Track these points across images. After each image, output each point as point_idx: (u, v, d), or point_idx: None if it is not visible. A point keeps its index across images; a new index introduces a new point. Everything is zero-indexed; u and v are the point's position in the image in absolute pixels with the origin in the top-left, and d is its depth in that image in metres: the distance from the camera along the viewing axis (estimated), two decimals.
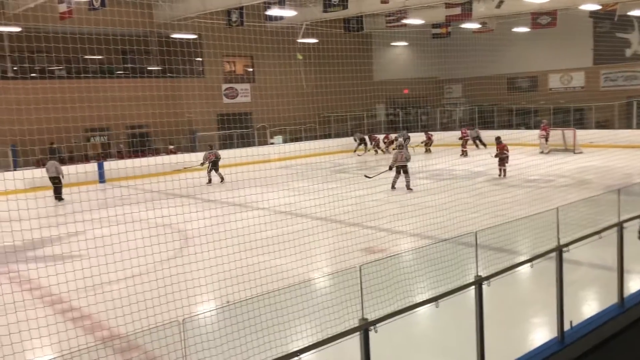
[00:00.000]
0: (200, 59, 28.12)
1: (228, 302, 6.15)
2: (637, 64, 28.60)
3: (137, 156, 23.61)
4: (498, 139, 18.31)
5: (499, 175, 17.57)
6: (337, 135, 30.82)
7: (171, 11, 24.32)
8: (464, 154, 24.97)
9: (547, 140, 24.60)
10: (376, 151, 28.33)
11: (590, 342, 5.43)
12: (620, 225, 6.05)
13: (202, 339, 3.95)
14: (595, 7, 22.31)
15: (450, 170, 20.00)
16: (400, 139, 23.57)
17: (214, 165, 20.30)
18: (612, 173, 16.34)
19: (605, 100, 27.80)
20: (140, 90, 23.37)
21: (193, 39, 25.16)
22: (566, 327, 5.39)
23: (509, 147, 18.12)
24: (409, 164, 16.43)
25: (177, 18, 24.18)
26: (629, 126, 26.45)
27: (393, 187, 16.28)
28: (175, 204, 12.83)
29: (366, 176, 17.38)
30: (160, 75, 27.30)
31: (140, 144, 25.36)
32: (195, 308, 7.18)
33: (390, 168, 16.54)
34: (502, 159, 17.59)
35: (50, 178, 17.39)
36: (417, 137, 27.95)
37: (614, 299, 6.09)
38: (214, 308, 6.73)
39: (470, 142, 26.33)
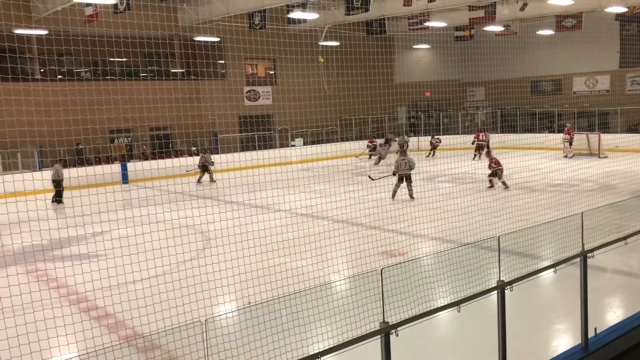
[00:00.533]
0: (223, 62, 28.36)
1: (249, 303, 6.20)
2: None
3: (160, 157, 23.90)
4: (488, 152, 17.67)
5: (489, 186, 16.66)
6: (358, 138, 30.80)
7: (195, 14, 24.61)
8: (476, 157, 24.73)
9: (571, 144, 24.29)
10: (369, 156, 27.57)
11: (615, 349, 5.36)
12: None
13: (223, 339, 3.99)
14: (622, 9, 21.98)
15: (473, 174, 19.85)
16: (378, 145, 23.29)
17: (205, 168, 21.40)
18: (638, 178, 16.05)
19: (632, 104, 27.36)
20: (164, 93, 23.67)
21: (216, 41, 25.41)
22: (590, 333, 5.32)
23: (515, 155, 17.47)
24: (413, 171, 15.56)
25: (200, 21, 24.45)
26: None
27: (393, 196, 15.33)
28: (197, 205, 12.96)
29: (370, 177, 16.86)
30: (183, 78, 27.61)
31: (163, 146, 25.70)
32: (217, 309, 7.24)
33: (394, 174, 15.69)
34: (495, 172, 16.55)
35: (53, 181, 17.69)
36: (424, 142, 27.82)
37: (639, 306, 5.99)
38: (235, 309, 6.78)
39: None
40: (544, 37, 27.53)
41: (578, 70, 30.60)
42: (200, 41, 24.88)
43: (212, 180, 21.25)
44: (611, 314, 7.13)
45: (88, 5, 18.68)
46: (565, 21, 23.15)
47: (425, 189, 15.94)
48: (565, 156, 23.94)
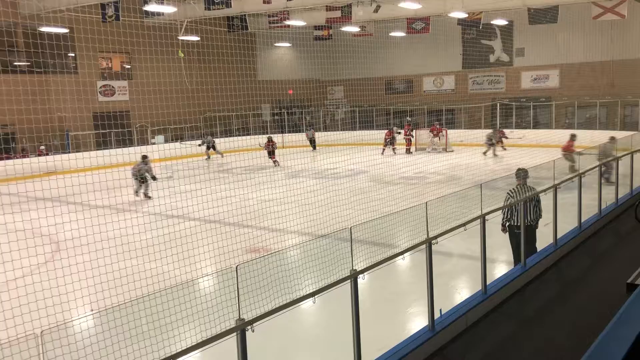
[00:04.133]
0: (73, 55, 26.47)
1: (92, 310, 5.85)
2: (500, 69, 31.08)
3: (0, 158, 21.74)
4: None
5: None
6: (222, 135, 30.40)
7: (40, 3, 22.66)
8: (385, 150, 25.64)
9: (439, 138, 26.09)
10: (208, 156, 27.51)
11: (457, 328, 5.79)
12: (482, 218, 6.50)
13: (70, 349, 3.72)
14: (463, 15, 23.88)
15: (334, 169, 20.45)
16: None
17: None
18: (479, 169, 17.58)
19: (473, 103, 29.91)
20: (3, 86, 21.57)
21: (65, 32, 23.62)
22: (437, 315, 5.70)
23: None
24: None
25: (46, 10, 22.57)
26: (493, 126, 28.69)
27: None
28: (44, 209, 11.94)
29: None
30: (27, 71, 25.32)
31: (3, 144, 23.36)
32: (68, 316, 6.74)
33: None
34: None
35: None
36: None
37: (479, 286, 6.54)
38: (80, 316, 6.37)
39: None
40: (397, 38, 29.11)
41: (427, 71, 32.79)
42: (46, 32, 22.97)
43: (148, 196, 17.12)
44: (456, 295, 7.74)
45: None
46: (415, 24, 24.63)
47: (288, 183, 16.15)
48: (434, 149, 25.69)
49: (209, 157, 27.27)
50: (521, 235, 7.49)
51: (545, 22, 22.29)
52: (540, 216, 8.19)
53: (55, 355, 3.21)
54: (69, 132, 24.93)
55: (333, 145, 27.19)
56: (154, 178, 16.99)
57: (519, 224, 7.72)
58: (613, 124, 26.26)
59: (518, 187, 8.02)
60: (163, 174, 18.31)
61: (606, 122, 26.78)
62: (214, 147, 27.38)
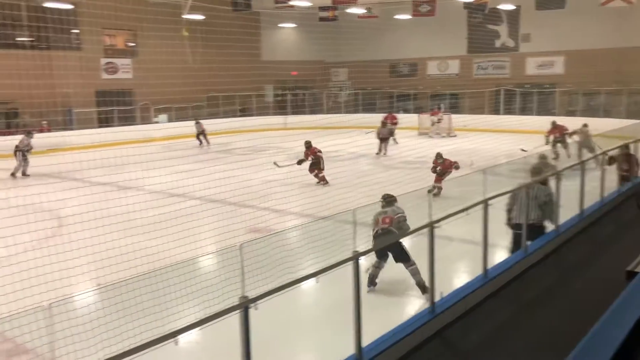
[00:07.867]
0: (77, 31, 26.31)
1: (99, 284, 5.90)
2: (505, 54, 30.88)
3: (4, 134, 21.78)
4: (307, 143, 15.49)
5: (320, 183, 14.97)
6: (226, 115, 30.33)
7: None
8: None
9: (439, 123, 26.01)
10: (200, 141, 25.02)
11: (457, 311, 5.83)
12: (485, 203, 6.51)
13: (77, 322, 3.76)
14: None
15: (335, 152, 20.44)
16: None
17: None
18: (481, 155, 17.56)
19: (477, 88, 29.77)
20: (7, 61, 21.49)
21: (69, 8, 23.46)
22: (438, 298, 5.75)
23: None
24: None
25: None
26: (497, 112, 28.58)
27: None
28: (47, 184, 11.97)
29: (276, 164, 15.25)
30: (30, 47, 25.19)
31: (6, 121, 23.42)
32: (69, 291, 6.81)
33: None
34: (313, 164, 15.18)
35: None
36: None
37: (479, 270, 6.58)
38: (87, 290, 6.43)
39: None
40: (402, 21, 28.88)
41: (432, 55, 32.56)
42: (50, 7, 22.82)
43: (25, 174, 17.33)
44: (456, 279, 7.79)
45: None
46: (420, 7, 24.47)
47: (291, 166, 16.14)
48: (437, 135, 25.61)
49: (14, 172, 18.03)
50: (523, 235, 7.33)
51: (552, 8, 22.12)
52: (549, 217, 7.93)
53: (63, 328, 3.25)
54: (72, 109, 24.88)
55: (335, 128, 27.09)
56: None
57: (520, 222, 7.53)
58: (617, 112, 26.13)
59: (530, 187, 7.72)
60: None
61: (610, 110, 26.65)
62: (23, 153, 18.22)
